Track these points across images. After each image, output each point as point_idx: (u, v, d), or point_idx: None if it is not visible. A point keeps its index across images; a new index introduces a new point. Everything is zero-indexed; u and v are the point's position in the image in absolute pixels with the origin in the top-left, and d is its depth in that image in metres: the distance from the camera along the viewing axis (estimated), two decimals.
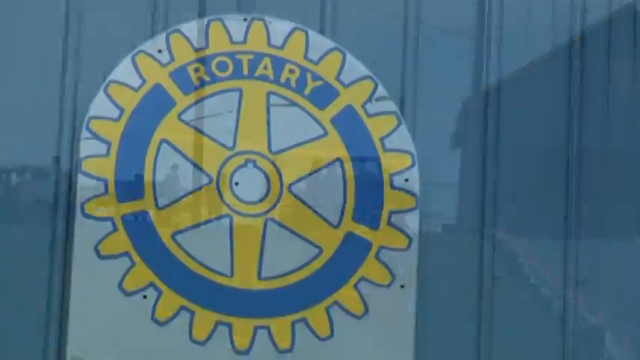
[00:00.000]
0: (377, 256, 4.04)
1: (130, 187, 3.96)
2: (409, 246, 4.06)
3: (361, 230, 4.05)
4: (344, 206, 4.05)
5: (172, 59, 4.05)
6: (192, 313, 3.89)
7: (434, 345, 4.05)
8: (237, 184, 4.00)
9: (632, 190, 4.48)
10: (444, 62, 4.37)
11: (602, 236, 4.44)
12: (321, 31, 4.18)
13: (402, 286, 4.04)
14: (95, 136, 3.93)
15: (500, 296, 4.11)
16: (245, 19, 4.11)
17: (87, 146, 3.92)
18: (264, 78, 4.08)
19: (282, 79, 4.09)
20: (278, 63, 4.07)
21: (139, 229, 3.92)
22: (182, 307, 3.89)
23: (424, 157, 4.17)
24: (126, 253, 3.89)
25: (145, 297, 3.88)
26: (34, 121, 3.98)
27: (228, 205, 3.99)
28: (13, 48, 4.01)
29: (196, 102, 4.05)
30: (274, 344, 3.94)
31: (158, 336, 3.88)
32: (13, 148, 3.95)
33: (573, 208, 4.30)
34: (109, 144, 3.93)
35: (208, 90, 4.08)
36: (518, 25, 4.43)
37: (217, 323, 3.92)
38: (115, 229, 3.90)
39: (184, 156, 3.99)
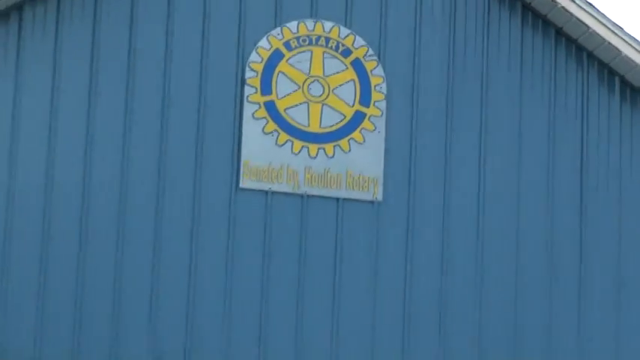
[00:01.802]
0: (369, 120, 8.80)
1: (266, 89, 8.53)
2: (381, 115, 8.91)
3: (362, 109, 8.65)
4: (354, 97, 8.70)
5: (283, 37, 8.67)
6: (292, 142, 8.53)
7: (397, 150, 8.79)
8: (310, 88, 8.69)
9: None
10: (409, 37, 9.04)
11: None
12: (345, 25, 8.98)
13: (379, 132, 8.79)
14: (251, 69, 8.65)
15: None
16: (314, 21, 8.84)
17: (248, 73, 8.60)
18: (321, 45, 8.71)
19: (329, 46, 8.72)
20: (327, 39, 8.69)
21: (270, 107, 8.51)
22: (288, 140, 8.44)
23: (390, 78, 9.07)
24: (264, 117, 8.47)
25: (272, 135, 8.54)
26: (226, 64, 8.77)
27: (307, 98, 8.67)
28: (210, 38, 8.67)
29: (293, 55, 8.76)
30: (326, 155, 8.56)
31: (278, 150, 8.49)
32: (215, 79, 8.56)
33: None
34: (257, 72, 8.60)
35: (298, 50, 8.77)
36: None
37: (303, 147, 8.56)
38: (260, 107, 8.61)
39: (289, 78, 8.61)
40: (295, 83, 8.84)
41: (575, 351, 9.02)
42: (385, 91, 8.97)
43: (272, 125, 8.78)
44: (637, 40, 9.01)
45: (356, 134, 8.88)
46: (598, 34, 9.06)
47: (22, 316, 8.25)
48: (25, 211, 8.31)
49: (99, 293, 8.36)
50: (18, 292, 8.26)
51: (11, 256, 8.33)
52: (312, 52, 8.91)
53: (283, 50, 8.86)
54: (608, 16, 8.91)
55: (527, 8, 9.36)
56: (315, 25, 8.94)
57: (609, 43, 9.08)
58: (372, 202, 8.88)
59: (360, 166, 8.87)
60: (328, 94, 8.84)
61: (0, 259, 8.28)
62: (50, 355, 8.23)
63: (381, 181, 8.92)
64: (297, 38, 8.89)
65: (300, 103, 8.86)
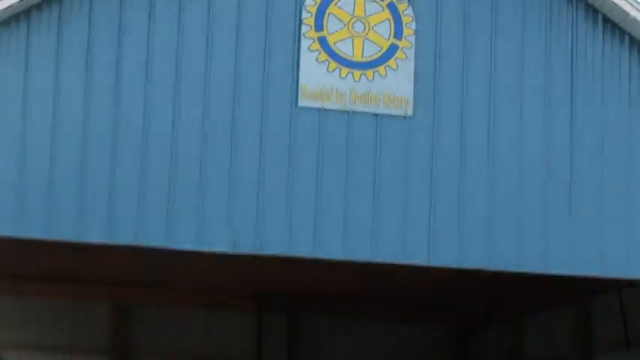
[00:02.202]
0: (402, 50, 10.76)
1: (319, 27, 10.42)
2: (411, 47, 10.84)
3: (395, 42, 10.51)
4: (389, 33, 10.63)
5: None
6: (340, 69, 10.39)
7: (424, 75, 10.89)
8: (354, 26, 10.56)
9: None
10: None
11: None
12: None
13: (409, 60, 10.66)
14: (307, 11, 10.41)
15: None
16: None
17: (304, 14, 10.48)
18: None
19: None
20: None
21: (322, 41, 10.42)
22: (336, 67, 10.37)
23: (418, 17, 11.11)
24: (318, 50, 10.33)
25: (324, 64, 10.43)
26: (287, 7, 10.71)
27: (351, 34, 10.50)
28: None
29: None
30: (367, 79, 10.54)
31: (328, 76, 10.47)
32: (278, 20, 10.53)
33: None
34: (311, 13, 10.38)
35: None
36: None
37: (349, 72, 10.43)
38: (314, 41, 10.42)
39: (337, 17, 10.44)
40: (342, 22, 10.78)
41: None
42: (414, 28, 10.91)
43: (324, 56, 10.76)
44: None
45: (391, 62, 10.84)
46: None
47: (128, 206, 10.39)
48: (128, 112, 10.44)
49: (188, 187, 10.61)
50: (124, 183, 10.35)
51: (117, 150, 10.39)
52: None
53: None
54: None
55: None
56: None
57: None
58: (404, 116, 10.89)
59: (395, 88, 10.88)
60: (368, 31, 10.78)
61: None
62: (149, 235, 10.52)
63: (411, 99, 10.94)
64: None
65: (346, 38, 10.85)
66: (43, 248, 12.45)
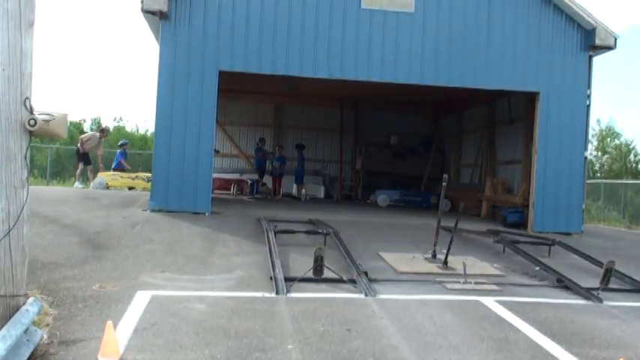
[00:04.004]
0: None
1: None
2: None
3: None
4: None
5: None
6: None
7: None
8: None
9: None
10: None
11: None
12: None
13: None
14: None
15: None
16: None
17: None
18: None
19: None
20: None
21: None
22: None
23: None
24: None
25: None
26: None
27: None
28: None
29: None
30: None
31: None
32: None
33: None
34: None
35: None
36: None
37: None
38: None
39: None
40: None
41: None
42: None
43: None
44: None
45: None
46: None
47: (282, 54, 12.84)
48: None
49: (308, 46, 14.83)
50: (281, 43, 12.96)
51: (278, 30, 12.82)
52: None
53: None
54: None
55: None
56: None
57: None
58: (409, 12, 13.54)
59: None
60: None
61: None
62: (291, 69, 13.96)
63: (413, 3, 15.19)
64: None
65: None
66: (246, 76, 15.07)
